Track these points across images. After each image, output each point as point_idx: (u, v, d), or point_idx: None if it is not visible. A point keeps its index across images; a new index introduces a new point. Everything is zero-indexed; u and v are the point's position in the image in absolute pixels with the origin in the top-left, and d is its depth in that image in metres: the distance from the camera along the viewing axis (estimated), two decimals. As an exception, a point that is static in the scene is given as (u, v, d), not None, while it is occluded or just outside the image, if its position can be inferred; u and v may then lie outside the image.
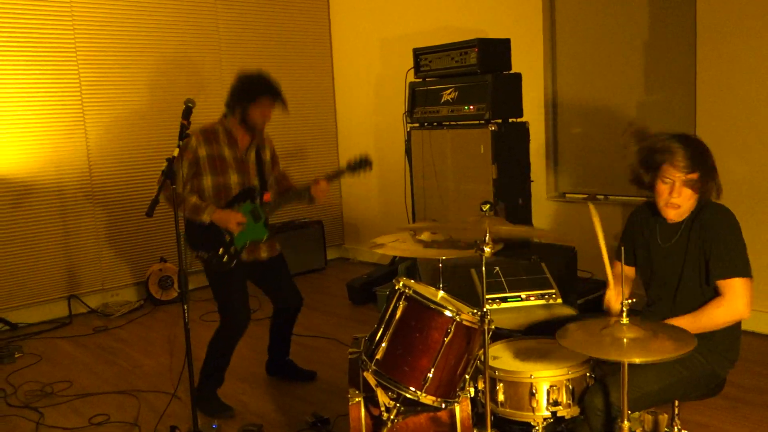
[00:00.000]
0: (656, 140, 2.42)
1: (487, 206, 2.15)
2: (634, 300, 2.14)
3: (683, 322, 2.32)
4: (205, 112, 6.05)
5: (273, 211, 3.67)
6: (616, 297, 2.55)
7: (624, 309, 2.10)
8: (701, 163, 2.34)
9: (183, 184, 3.44)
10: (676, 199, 2.39)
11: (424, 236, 2.83)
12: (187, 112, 3.03)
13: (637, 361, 1.94)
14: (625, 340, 2.02)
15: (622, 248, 2.34)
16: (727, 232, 2.36)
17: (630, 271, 2.70)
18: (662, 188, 2.40)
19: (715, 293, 2.38)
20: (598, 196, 5.11)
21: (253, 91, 3.54)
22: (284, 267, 3.84)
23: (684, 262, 2.45)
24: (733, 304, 2.32)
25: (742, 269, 2.33)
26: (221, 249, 3.52)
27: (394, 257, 5.69)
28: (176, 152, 2.93)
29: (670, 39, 4.65)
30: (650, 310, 2.58)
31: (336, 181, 3.66)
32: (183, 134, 2.99)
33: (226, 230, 3.51)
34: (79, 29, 5.43)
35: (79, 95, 5.48)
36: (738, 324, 2.46)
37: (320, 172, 6.92)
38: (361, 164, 3.74)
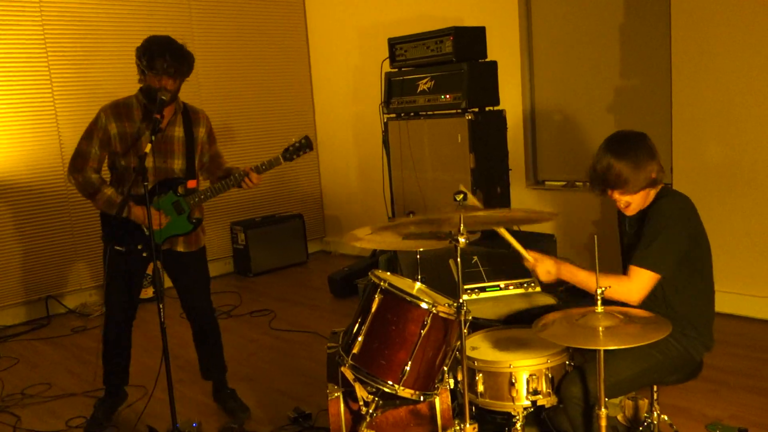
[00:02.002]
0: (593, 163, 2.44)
1: (461, 196, 2.12)
2: (609, 287, 2.13)
3: (581, 275, 2.41)
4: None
5: (199, 203, 3.27)
6: (534, 266, 2.58)
7: (598, 298, 2.09)
8: (634, 178, 2.36)
9: (96, 164, 3.15)
10: (625, 203, 2.45)
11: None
12: (161, 105, 2.97)
13: (612, 347, 1.94)
14: (600, 328, 2.02)
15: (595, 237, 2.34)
16: (658, 224, 2.38)
17: None
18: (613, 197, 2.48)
19: (679, 279, 2.41)
20: (577, 183, 5.11)
21: (150, 56, 3.04)
22: (200, 272, 3.46)
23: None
24: (632, 289, 2.36)
25: (656, 263, 2.35)
26: (140, 244, 3.21)
27: (375, 249, 5.67)
28: (148, 148, 2.84)
29: (645, 25, 4.64)
30: None
31: (271, 170, 3.33)
32: (156, 128, 2.92)
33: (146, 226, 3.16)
34: (48, 22, 5.33)
35: (50, 91, 5.39)
36: (711, 308, 2.48)
37: (299, 165, 6.92)
38: (299, 148, 3.31)
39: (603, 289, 2.11)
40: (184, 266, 3.40)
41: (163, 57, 3.02)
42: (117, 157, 3.19)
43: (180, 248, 3.34)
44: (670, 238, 2.35)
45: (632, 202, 2.43)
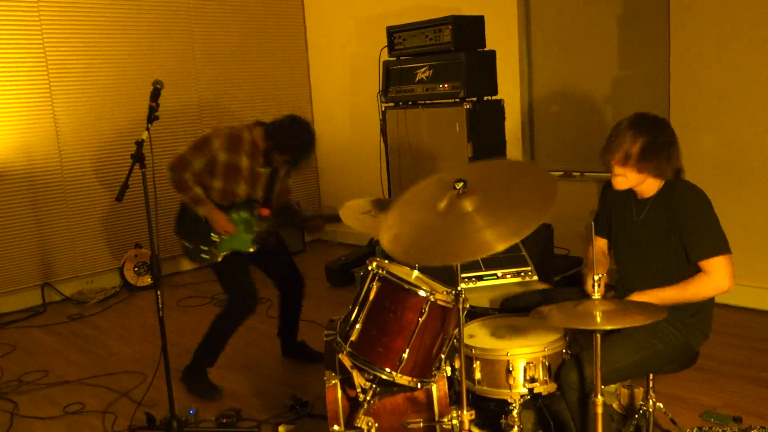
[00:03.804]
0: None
1: (461, 184, 2.12)
2: (604, 274, 2.14)
3: (667, 294, 2.35)
4: (177, 94, 6.01)
5: (266, 228, 3.63)
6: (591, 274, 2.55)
7: (596, 286, 2.10)
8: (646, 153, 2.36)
9: (192, 172, 3.45)
10: (619, 169, 2.43)
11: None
12: (156, 94, 2.98)
13: (609, 327, 1.95)
14: (597, 313, 2.03)
15: (593, 223, 2.34)
16: (701, 212, 2.37)
17: (603, 243, 2.72)
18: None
19: (689, 268, 2.40)
20: (574, 173, 5.11)
21: (301, 152, 3.56)
22: (283, 250, 3.86)
23: (653, 237, 2.46)
24: (718, 280, 2.35)
25: (722, 247, 2.35)
26: (203, 245, 3.53)
27: (372, 238, 5.67)
28: (145, 135, 2.89)
29: (644, 15, 4.64)
30: (622, 285, 2.59)
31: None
32: (152, 116, 2.95)
33: (214, 230, 3.52)
34: (44, 10, 5.30)
35: (47, 79, 5.36)
36: (711, 298, 2.48)
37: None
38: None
39: (599, 276, 2.11)
40: (270, 253, 3.74)
41: (308, 154, 3.61)
42: (212, 178, 3.50)
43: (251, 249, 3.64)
44: (714, 216, 2.37)
45: (628, 176, 2.42)
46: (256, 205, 3.60)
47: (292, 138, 3.52)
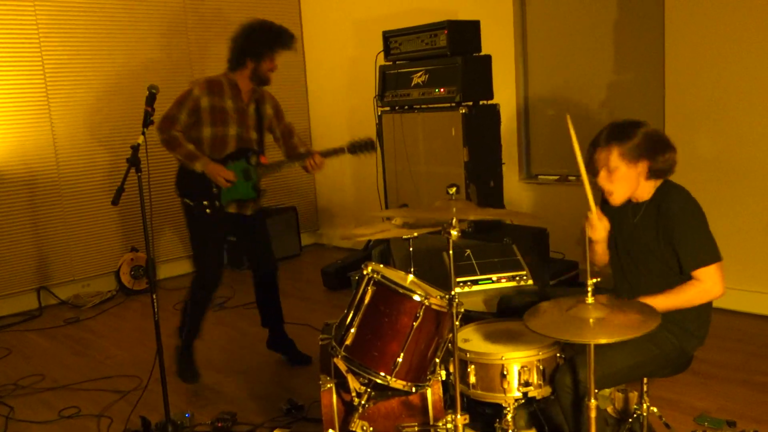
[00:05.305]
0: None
1: (454, 189, 2.14)
2: (599, 279, 2.14)
3: (659, 301, 2.33)
4: (173, 97, 5.99)
5: (265, 174, 3.70)
6: (597, 222, 2.50)
7: (589, 288, 2.10)
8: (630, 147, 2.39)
9: (181, 127, 3.51)
10: (607, 186, 2.44)
11: (396, 221, 2.81)
12: (151, 99, 3.00)
13: (603, 341, 1.95)
14: (591, 320, 2.03)
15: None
16: (690, 220, 2.38)
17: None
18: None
19: (682, 274, 2.41)
20: (570, 178, 5.13)
21: (270, 44, 3.55)
22: (263, 227, 3.88)
23: (647, 242, 2.46)
24: (710, 288, 2.36)
25: (713, 255, 2.36)
26: (206, 200, 3.58)
27: (368, 242, 5.68)
28: (141, 139, 2.91)
29: (639, 19, 4.66)
30: (618, 288, 2.60)
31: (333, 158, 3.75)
32: (147, 121, 2.97)
33: (215, 183, 3.55)
34: (41, 14, 5.31)
35: (44, 83, 5.36)
36: (709, 304, 2.48)
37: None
38: (365, 146, 3.68)
39: (595, 281, 2.12)
40: (252, 228, 3.78)
41: (285, 42, 3.64)
42: (200, 127, 3.54)
43: (248, 212, 3.72)
44: (706, 226, 2.38)
45: (614, 190, 2.43)
46: (252, 153, 3.64)
47: (243, 46, 3.55)
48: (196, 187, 3.58)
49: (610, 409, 2.88)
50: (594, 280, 2.12)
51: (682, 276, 2.40)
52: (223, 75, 3.64)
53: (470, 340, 2.56)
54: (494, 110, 4.50)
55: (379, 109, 4.94)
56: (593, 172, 2.46)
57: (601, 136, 2.45)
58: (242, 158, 3.62)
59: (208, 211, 3.58)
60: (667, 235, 2.39)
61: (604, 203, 2.61)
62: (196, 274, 3.74)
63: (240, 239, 3.94)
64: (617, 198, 2.46)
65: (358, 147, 3.67)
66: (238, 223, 3.76)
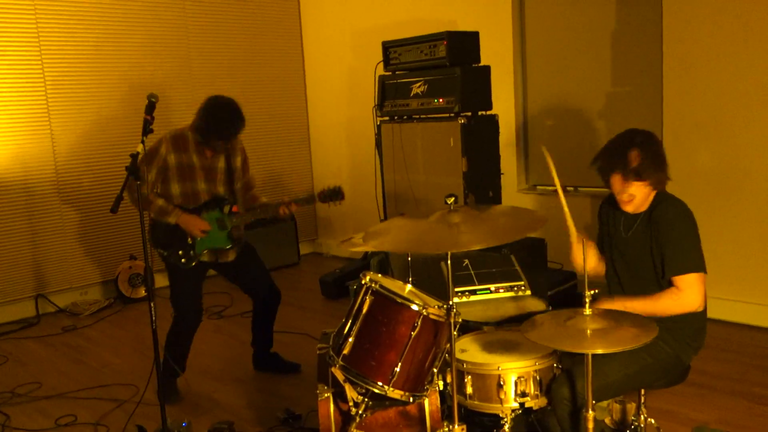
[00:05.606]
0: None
1: (452, 199, 2.14)
2: (597, 291, 2.15)
3: (636, 304, 2.34)
4: (173, 107, 6.03)
5: (239, 223, 3.68)
6: (580, 253, 2.54)
7: (587, 300, 2.11)
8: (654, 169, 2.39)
9: (150, 186, 3.51)
10: (629, 196, 2.44)
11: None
12: (150, 107, 3.00)
13: (600, 351, 1.95)
14: (588, 331, 2.04)
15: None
16: (679, 228, 2.39)
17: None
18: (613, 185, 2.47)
19: (670, 285, 2.41)
20: (568, 188, 5.14)
21: (215, 131, 3.50)
22: (255, 261, 3.85)
23: (640, 253, 2.47)
24: (687, 297, 2.36)
25: (697, 264, 2.36)
26: (180, 250, 3.59)
27: (367, 252, 5.68)
28: (140, 148, 2.92)
29: (637, 31, 4.68)
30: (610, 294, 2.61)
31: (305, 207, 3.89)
32: (146, 129, 2.97)
33: (190, 233, 3.57)
34: (42, 23, 5.33)
35: (44, 91, 5.38)
36: (704, 313, 2.48)
37: (291, 166, 6.94)
38: (333, 195, 3.77)
39: (593, 292, 2.12)
40: (241, 267, 3.78)
41: (230, 131, 3.53)
42: (169, 183, 3.55)
43: (229, 258, 3.71)
44: (695, 236, 2.38)
45: (636, 195, 2.43)
46: (225, 202, 3.65)
47: (201, 119, 3.51)
48: (170, 238, 3.58)
49: (607, 421, 2.87)
50: (591, 292, 2.12)
51: (671, 283, 2.41)
52: (189, 128, 3.61)
53: (467, 350, 2.55)
54: (493, 120, 4.52)
55: (378, 118, 4.96)
56: (611, 172, 2.45)
57: (630, 145, 2.41)
58: (216, 208, 3.63)
59: (183, 260, 3.59)
60: (658, 242, 2.41)
61: (605, 204, 2.62)
62: (175, 315, 3.73)
63: (232, 280, 3.88)
64: (640, 204, 2.47)
65: (328, 195, 3.76)
66: (221, 267, 3.75)
